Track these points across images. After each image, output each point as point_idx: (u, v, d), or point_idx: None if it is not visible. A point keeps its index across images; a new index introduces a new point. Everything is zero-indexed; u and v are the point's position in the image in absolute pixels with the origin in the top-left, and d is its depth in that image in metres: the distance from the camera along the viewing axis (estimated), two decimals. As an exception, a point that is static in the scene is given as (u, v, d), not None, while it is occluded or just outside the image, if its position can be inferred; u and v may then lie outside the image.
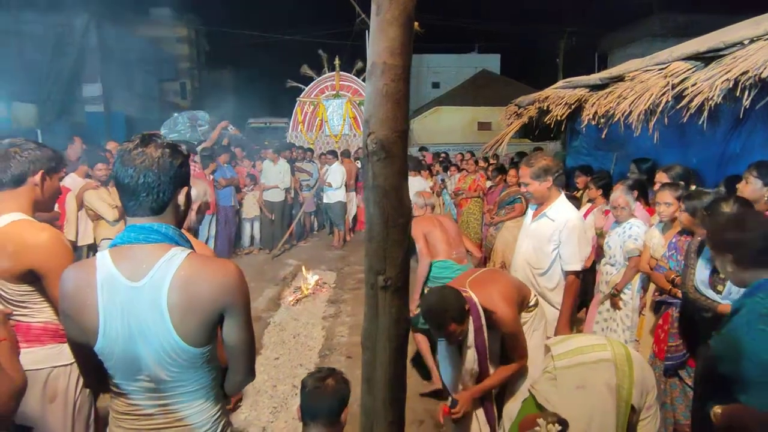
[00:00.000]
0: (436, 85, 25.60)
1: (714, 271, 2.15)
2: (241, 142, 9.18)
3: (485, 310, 2.15)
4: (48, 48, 13.94)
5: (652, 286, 2.87)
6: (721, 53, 2.89)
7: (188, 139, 8.95)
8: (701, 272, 2.21)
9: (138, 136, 1.18)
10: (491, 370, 2.25)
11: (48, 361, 1.68)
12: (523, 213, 5.02)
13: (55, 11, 14.11)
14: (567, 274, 2.64)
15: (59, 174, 1.83)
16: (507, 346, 2.26)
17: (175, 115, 11.22)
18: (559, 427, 1.54)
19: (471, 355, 2.17)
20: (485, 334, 2.15)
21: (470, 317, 2.12)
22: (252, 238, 7.70)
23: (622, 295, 3.11)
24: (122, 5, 16.18)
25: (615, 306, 3.15)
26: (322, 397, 1.58)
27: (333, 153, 8.35)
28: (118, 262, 1.14)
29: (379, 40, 1.35)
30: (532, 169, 2.62)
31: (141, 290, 1.12)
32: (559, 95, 4.64)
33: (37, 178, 1.69)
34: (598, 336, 2.12)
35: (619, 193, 3.15)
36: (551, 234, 2.64)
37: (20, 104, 11.57)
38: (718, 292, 2.14)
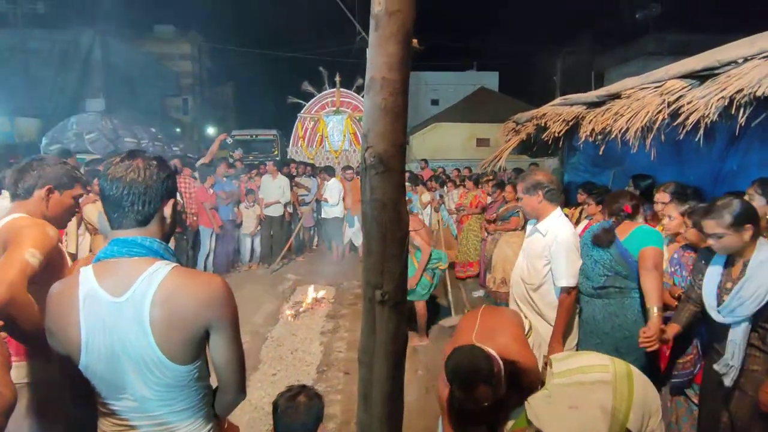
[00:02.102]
0: (435, 102, 25.89)
1: (719, 285, 2.13)
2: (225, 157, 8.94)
3: (504, 361, 1.91)
4: (53, 64, 14.15)
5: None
6: (717, 72, 2.90)
7: (73, 150, 6.99)
8: (708, 285, 2.17)
9: (125, 151, 1.20)
10: None
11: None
12: (518, 226, 5.10)
13: (62, 28, 14.38)
14: (561, 290, 2.60)
15: (72, 191, 1.81)
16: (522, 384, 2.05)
17: (68, 119, 9.36)
18: None
19: None
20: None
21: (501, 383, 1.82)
22: (252, 251, 7.67)
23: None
24: (127, 23, 16.48)
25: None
26: (295, 415, 1.53)
27: (329, 170, 8.37)
28: (101, 277, 1.12)
29: (378, 55, 1.37)
30: (524, 183, 2.70)
31: (123, 306, 1.10)
32: (556, 112, 4.67)
33: (43, 192, 1.71)
34: (603, 356, 2.08)
35: None
36: (542, 249, 2.63)
37: (24, 119, 11.69)
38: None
